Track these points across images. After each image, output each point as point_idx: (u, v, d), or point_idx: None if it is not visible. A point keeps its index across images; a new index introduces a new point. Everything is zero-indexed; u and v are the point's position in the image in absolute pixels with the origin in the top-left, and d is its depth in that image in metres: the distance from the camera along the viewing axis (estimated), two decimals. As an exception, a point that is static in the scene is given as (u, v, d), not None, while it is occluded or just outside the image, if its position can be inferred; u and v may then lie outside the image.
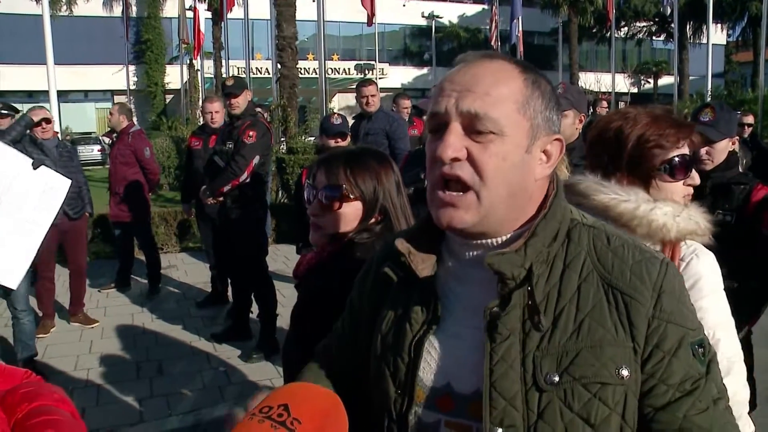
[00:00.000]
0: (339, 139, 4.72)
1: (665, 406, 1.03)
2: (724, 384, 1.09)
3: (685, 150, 1.82)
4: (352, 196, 1.75)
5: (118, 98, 32.41)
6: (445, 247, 1.19)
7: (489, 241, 1.11)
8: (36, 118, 5.41)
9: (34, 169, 4.45)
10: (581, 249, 1.10)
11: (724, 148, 2.93)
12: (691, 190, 1.86)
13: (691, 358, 1.05)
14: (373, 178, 1.76)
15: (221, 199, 5.48)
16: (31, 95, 31.09)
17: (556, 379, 1.02)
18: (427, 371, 1.13)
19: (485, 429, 1.04)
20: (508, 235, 1.11)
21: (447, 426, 1.12)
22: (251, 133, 5.31)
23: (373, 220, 1.78)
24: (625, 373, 1.02)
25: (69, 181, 4.61)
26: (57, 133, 6.23)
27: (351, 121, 6.21)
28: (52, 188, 4.72)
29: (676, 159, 1.80)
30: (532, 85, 1.08)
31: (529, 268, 1.06)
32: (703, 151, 2.91)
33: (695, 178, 1.85)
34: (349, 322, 1.35)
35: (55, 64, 9.92)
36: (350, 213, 1.76)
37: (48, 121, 5.73)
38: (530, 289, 1.06)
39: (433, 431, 1.13)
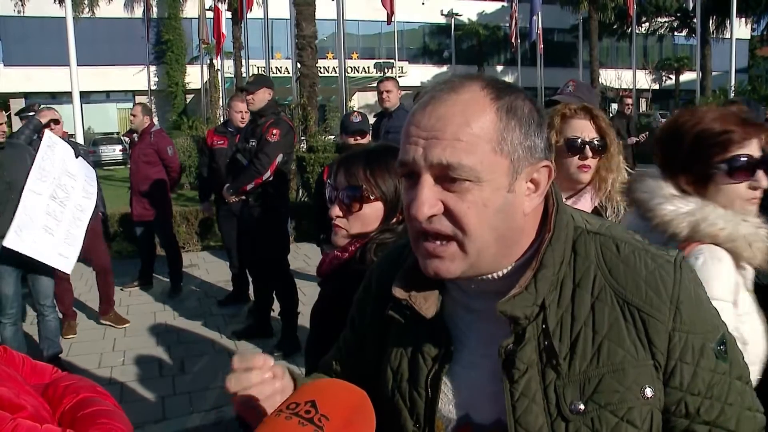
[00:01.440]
0: (358, 137, 4.73)
1: (695, 416, 1.02)
2: (745, 363, 1.08)
3: (753, 150, 1.70)
4: (372, 197, 1.74)
5: (139, 98, 32.71)
6: None
7: (488, 276, 1.05)
8: (44, 120, 5.41)
9: (76, 157, 4.71)
10: (590, 263, 1.04)
11: None
12: (756, 194, 1.72)
13: (714, 360, 1.02)
14: (394, 177, 1.74)
15: (243, 197, 5.50)
16: (54, 96, 31.52)
17: (582, 407, 0.99)
18: (445, 403, 1.10)
19: None
20: (509, 267, 1.05)
21: None
22: (275, 131, 5.32)
23: (394, 219, 1.77)
24: (649, 392, 0.99)
25: (93, 170, 4.80)
26: (66, 133, 6.25)
27: (372, 119, 6.21)
28: (89, 176, 4.98)
29: (738, 158, 1.67)
30: (506, 114, 0.98)
31: (542, 303, 1.01)
32: None
33: (761, 180, 1.70)
34: (353, 341, 1.30)
35: (78, 65, 10.04)
36: (371, 213, 1.75)
37: (56, 121, 5.73)
38: (545, 327, 1.01)
39: None
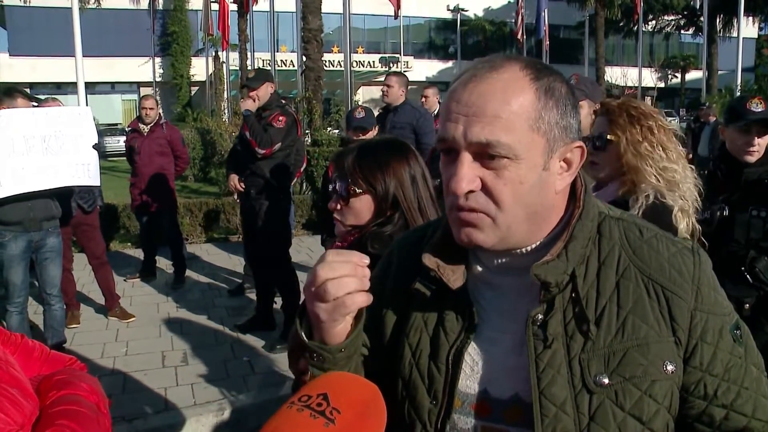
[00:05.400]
0: (360, 133, 4.73)
1: (713, 397, 1.05)
2: (758, 353, 1.11)
3: None
4: (359, 190, 1.79)
5: (144, 90, 32.72)
6: (472, 253, 1.15)
7: (517, 250, 1.09)
8: None
9: (94, 149, 4.71)
10: (614, 243, 1.08)
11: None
12: None
13: (732, 343, 1.06)
14: (384, 171, 1.79)
15: (243, 185, 5.56)
16: (59, 87, 31.53)
17: (606, 380, 1.01)
18: (464, 379, 1.11)
19: None
20: (537, 243, 1.08)
21: (483, 431, 1.10)
22: (281, 118, 5.41)
23: (388, 213, 1.81)
24: (670, 367, 1.02)
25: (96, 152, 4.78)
26: None
27: (377, 113, 6.21)
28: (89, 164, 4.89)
29: None
30: (545, 94, 1.01)
31: (572, 273, 1.05)
32: (763, 141, 2.80)
33: None
34: (372, 326, 1.24)
35: (83, 56, 10.02)
36: (361, 206, 1.80)
37: None
38: (574, 296, 1.05)
39: None
